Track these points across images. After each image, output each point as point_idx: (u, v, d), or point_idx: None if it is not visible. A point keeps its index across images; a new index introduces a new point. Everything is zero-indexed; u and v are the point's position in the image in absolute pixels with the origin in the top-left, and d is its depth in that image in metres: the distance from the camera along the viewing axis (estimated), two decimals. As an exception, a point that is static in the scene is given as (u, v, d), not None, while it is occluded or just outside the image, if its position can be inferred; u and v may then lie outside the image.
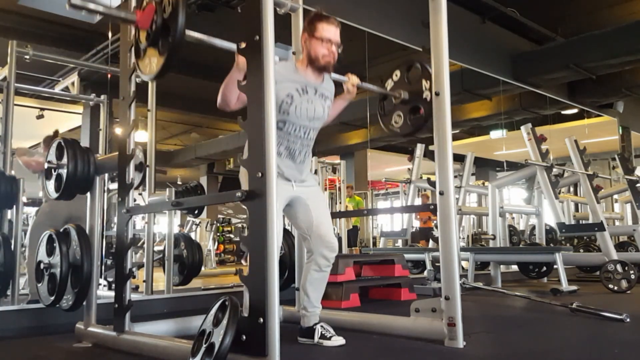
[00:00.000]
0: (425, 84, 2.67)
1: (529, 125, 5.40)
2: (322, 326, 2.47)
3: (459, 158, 7.34)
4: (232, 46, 2.17)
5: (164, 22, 1.94)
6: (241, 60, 2.14)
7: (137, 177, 4.03)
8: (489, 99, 9.04)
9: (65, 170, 2.62)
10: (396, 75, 2.88)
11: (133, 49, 2.18)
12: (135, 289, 4.64)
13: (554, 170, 5.32)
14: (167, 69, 1.97)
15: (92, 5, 1.95)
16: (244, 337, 1.83)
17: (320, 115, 2.49)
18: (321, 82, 2.49)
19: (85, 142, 6.61)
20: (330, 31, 2.40)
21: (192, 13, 5.84)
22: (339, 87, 2.65)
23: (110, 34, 5.58)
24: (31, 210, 7.03)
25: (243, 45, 2.04)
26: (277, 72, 2.05)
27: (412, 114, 2.78)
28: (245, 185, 2.04)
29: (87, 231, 2.65)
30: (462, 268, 5.02)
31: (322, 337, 2.43)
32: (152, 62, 2.02)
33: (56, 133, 4.49)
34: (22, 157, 4.17)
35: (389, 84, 2.91)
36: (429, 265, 5.93)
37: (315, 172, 4.48)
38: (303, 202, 2.49)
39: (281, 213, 2.44)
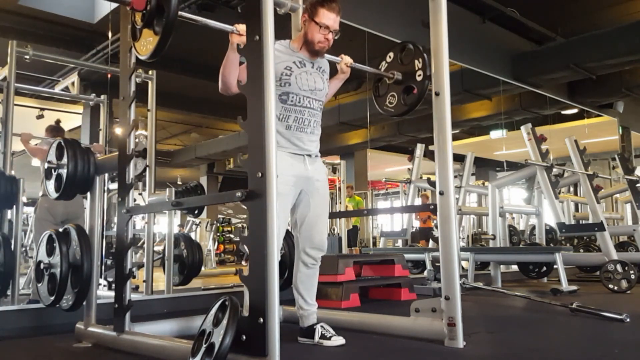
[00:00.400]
0: (417, 63, 2.73)
1: (529, 125, 5.40)
2: (322, 326, 2.47)
3: (459, 158, 7.34)
4: (226, 26, 2.20)
5: (158, 2, 1.99)
6: (236, 39, 2.17)
7: (140, 165, 4.08)
8: (489, 99, 9.04)
9: (65, 170, 2.62)
10: (389, 57, 2.93)
11: (130, 31, 2.23)
12: (135, 289, 4.64)
13: (554, 170, 5.32)
14: (162, 48, 2.01)
15: None
16: (244, 337, 1.83)
17: (321, 87, 2.53)
18: (316, 58, 2.54)
19: (85, 142, 6.61)
20: (330, 18, 2.42)
21: (192, 13, 5.83)
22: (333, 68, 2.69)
23: (110, 34, 5.58)
24: (31, 210, 7.04)
25: (239, 27, 2.09)
26: (274, 48, 2.07)
27: (406, 93, 2.83)
28: None
29: (87, 231, 2.65)
30: (462, 268, 5.02)
31: (322, 337, 2.43)
32: (148, 42, 2.07)
33: (58, 122, 4.50)
34: (28, 145, 4.17)
35: (383, 65, 2.95)
36: (429, 265, 5.93)
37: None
38: (306, 199, 2.50)
39: (290, 206, 2.44)
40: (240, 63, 2.30)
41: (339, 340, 2.42)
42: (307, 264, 2.51)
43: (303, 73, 2.45)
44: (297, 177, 2.42)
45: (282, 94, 2.40)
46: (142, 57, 2.14)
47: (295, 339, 2.51)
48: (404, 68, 2.85)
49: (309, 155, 2.48)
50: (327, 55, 2.60)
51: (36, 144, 4.40)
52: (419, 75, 2.74)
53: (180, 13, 2.00)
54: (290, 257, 3.09)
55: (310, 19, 2.43)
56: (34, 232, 4.29)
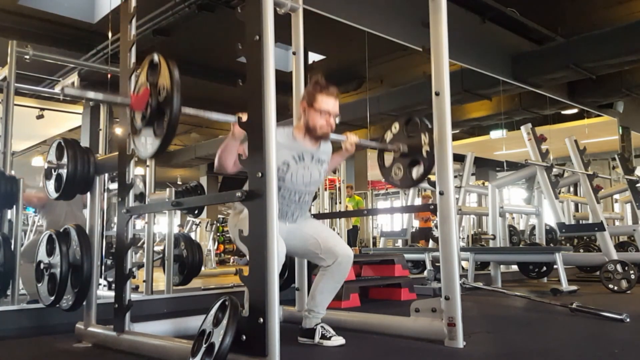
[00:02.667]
0: (424, 138, 2.65)
1: (529, 125, 5.39)
2: (322, 326, 2.47)
3: (459, 158, 7.33)
4: (228, 117, 2.14)
5: (159, 105, 1.94)
6: (237, 130, 2.13)
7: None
8: (489, 99, 9.04)
9: (65, 170, 2.62)
10: (395, 128, 2.85)
11: (130, 126, 2.17)
12: (135, 289, 4.64)
13: (554, 170, 5.32)
14: (164, 150, 1.99)
15: (85, 94, 2.00)
16: (244, 337, 1.83)
17: (316, 180, 2.51)
18: (318, 148, 2.50)
19: (85, 142, 6.61)
20: (329, 103, 2.40)
21: (192, 13, 5.84)
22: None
23: (110, 34, 5.58)
24: (32, 211, 7.03)
25: (243, 117, 2.04)
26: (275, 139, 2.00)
27: (412, 167, 2.75)
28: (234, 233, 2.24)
29: (87, 231, 2.65)
30: (462, 268, 5.02)
31: (322, 337, 2.43)
32: (148, 143, 2.03)
33: None
34: (25, 192, 4.17)
35: (388, 136, 2.87)
36: (429, 265, 5.93)
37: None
38: (298, 235, 2.46)
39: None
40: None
41: (339, 341, 2.42)
42: (336, 279, 2.47)
43: (300, 169, 2.42)
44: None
45: None
46: (141, 156, 2.10)
47: (295, 339, 2.51)
48: (409, 141, 2.75)
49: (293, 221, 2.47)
50: (332, 135, 2.54)
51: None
52: (426, 151, 2.64)
53: (183, 110, 1.92)
54: (290, 258, 3.09)
55: (309, 107, 2.41)
56: (23, 251, 4.25)
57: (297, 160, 2.42)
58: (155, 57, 1.99)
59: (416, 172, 2.73)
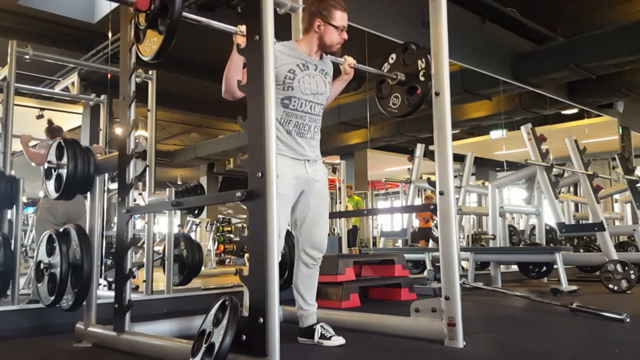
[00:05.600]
0: (420, 64, 2.73)
1: (529, 125, 5.40)
2: (322, 326, 2.47)
3: (459, 158, 7.34)
4: (230, 27, 2.20)
5: (162, 1, 1.98)
6: (241, 41, 2.16)
7: (140, 166, 4.07)
8: (489, 99, 9.04)
9: (65, 170, 2.62)
10: (392, 58, 2.93)
11: (133, 33, 2.22)
12: (135, 289, 4.64)
13: (554, 170, 5.32)
14: (167, 48, 2.01)
15: None
16: (244, 337, 1.83)
17: (323, 91, 2.52)
18: (320, 59, 2.54)
19: (85, 142, 6.61)
20: (345, 19, 2.45)
21: (192, 13, 5.84)
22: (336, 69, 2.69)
23: (110, 34, 5.58)
24: (31, 211, 7.03)
25: (242, 28, 2.11)
26: (277, 50, 2.07)
27: (409, 94, 2.84)
28: None
29: (87, 231, 2.65)
30: (462, 268, 5.02)
31: (322, 337, 2.43)
32: (152, 43, 2.07)
33: (51, 122, 4.50)
34: (27, 149, 4.17)
35: (386, 67, 2.95)
36: (429, 265, 5.93)
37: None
38: (306, 199, 2.49)
39: (290, 206, 2.43)
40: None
41: (338, 340, 2.42)
42: (308, 264, 2.51)
43: (306, 76, 2.44)
44: (298, 178, 2.42)
45: (285, 98, 2.38)
46: (146, 58, 2.12)
47: (295, 339, 2.51)
48: (407, 69, 2.84)
49: (308, 160, 2.48)
50: (330, 57, 2.58)
51: (34, 145, 4.39)
52: (422, 76, 2.73)
53: (184, 14, 1.99)
54: (290, 257, 3.09)
55: (326, 23, 2.42)
56: (34, 233, 4.29)
57: (302, 68, 2.44)
58: None
59: (414, 98, 2.80)
